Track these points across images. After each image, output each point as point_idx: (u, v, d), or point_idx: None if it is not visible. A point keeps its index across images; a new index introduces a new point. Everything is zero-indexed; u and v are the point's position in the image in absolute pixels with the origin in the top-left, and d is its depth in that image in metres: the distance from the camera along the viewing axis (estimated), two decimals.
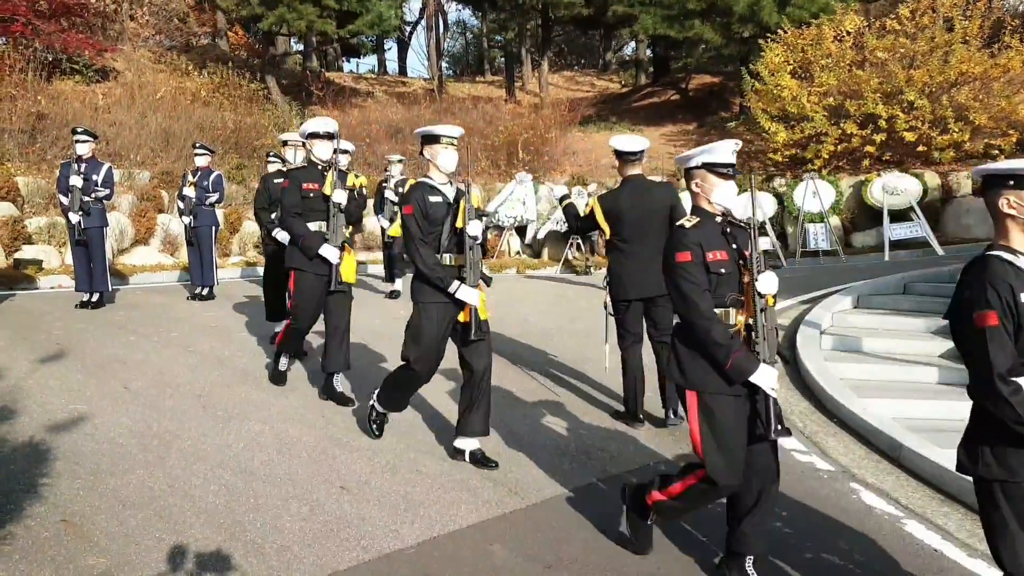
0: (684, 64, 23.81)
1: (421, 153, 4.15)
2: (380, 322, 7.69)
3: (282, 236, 5.95)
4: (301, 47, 26.49)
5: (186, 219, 9.16)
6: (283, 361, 5.59)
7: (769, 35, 16.65)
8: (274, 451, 4.21)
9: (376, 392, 4.42)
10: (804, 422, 5.04)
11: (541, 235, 14.85)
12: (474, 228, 4.05)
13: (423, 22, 32.44)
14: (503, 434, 4.61)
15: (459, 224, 4.03)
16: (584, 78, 30.37)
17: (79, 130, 8.04)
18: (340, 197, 5.04)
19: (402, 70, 34.62)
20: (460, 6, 34.05)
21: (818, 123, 14.90)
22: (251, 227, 13.87)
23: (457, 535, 3.36)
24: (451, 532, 3.38)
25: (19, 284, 9.66)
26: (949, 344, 6.35)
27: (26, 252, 10.99)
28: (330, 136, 5.16)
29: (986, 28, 14.77)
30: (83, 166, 7.82)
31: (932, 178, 13.88)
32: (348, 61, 34.69)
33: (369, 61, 36.21)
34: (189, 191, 9.06)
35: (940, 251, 12.14)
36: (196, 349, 6.48)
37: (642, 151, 4.74)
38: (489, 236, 14.29)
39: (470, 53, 41.98)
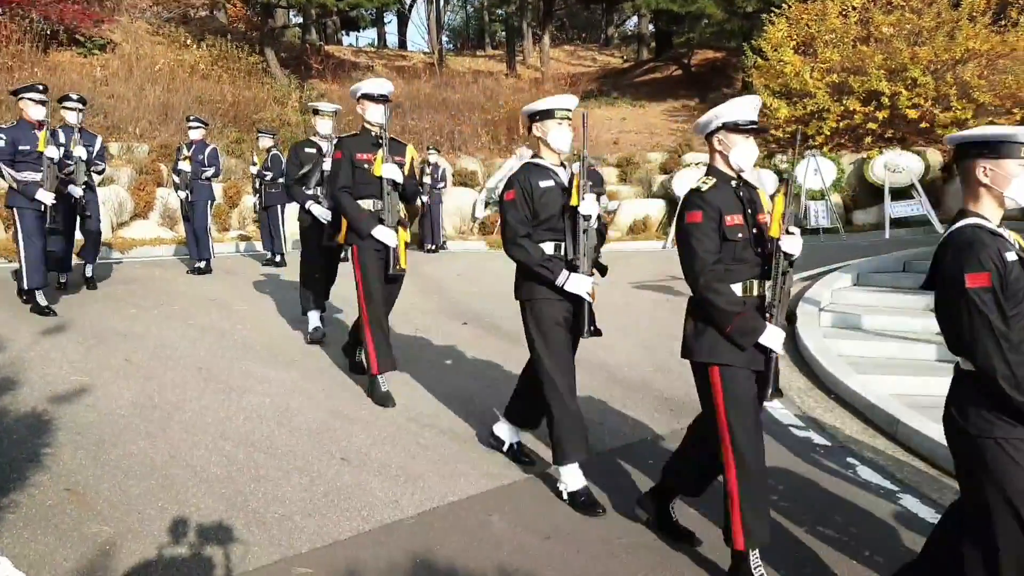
0: (687, 39, 23.57)
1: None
2: None
3: (318, 211, 5.94)
4: (300, 20, 26.22)
5: (182, 193, 9.09)
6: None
7: (773, 10, 16.49)
8: (275, 423, 4.24)
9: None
10: (802, 398, 5.07)
11: None
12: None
13: None
14: (502, 409, 4.63)
15: None
16: (586, 53, 30.11)
17: (73, 97, 7.27)
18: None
19: (402, 44, 34.30)
20: None
21: (820, 99, 14.81)
22: (250, 201, 13.81)
23: (456, 506, 3.39)
24: (451, 503, 3.41)
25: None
26: None
27: None
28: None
29: (993, 4, 14.62)
30: (81, 135, 7.19)
31: (934, 156, 13.83)
32: (347, 35, 34.37)
33: (369, 34, 35.97)
34: (184, 165, 8.97)
35: (941, 229, 12.12)
36: (196, 322, 6.49)
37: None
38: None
39: (471, 27, 41.58)
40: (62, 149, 6.55)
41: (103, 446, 3.79)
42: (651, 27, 27.62)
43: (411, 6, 35.94)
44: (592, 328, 3.45)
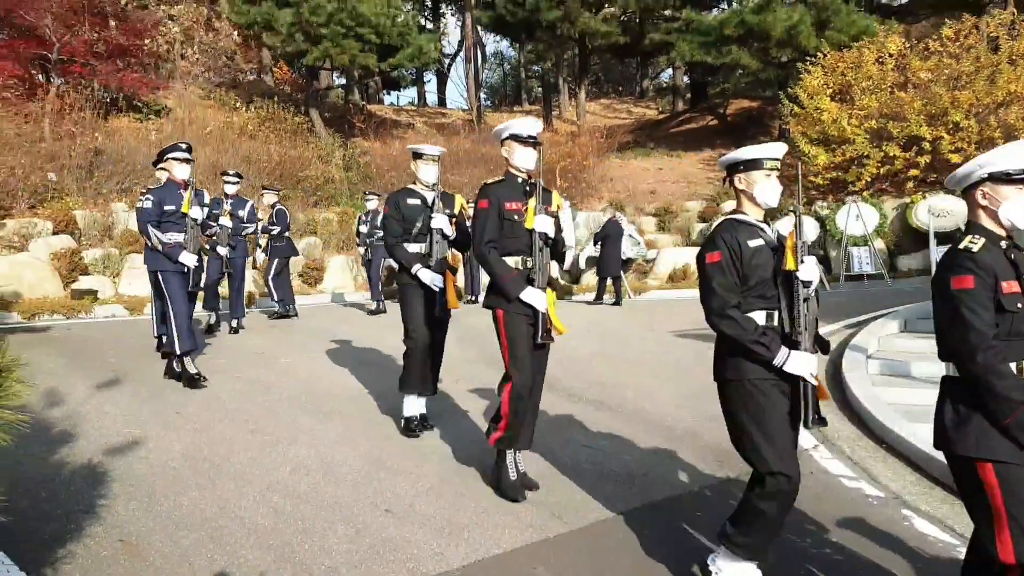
0: (722, 89, 23.84)
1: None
2: None
3: (427, 277, 4.87)
4: (343, 81, 27.20)
5: (223, 250, 8.61)
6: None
7: (808, 59, 16.60)
8: (320, 475, 4.29)
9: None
10: (852, 447, 4.95)
11: (583, 262, 14.88)
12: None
13: (462, 54, 33.05)
14: (546, 458, 4.61)
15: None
16: (621, 105, 30.55)
17: (182, 147, 6.53)
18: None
19: (441, 101, 35.30)
20: (498, 38, 34.68)
21: (859, 146, 14.74)
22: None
23: (502, 558, 3.37)
24: (496, 555, 3.39)
25: (76, 314, 10.02)
26: None
27: (83, 283, 11.42)
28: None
29: None
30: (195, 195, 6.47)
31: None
32: (389, 93, 35.53)
33: (409, 93, 37.08)
34: (225, 220, 8.89)
35: None
36: (243, 376, 6.63)
37: None
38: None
39: (508, 83, 42.62)
40: (206, 210, 6.40)
41: (155, 497, 3.88)
42: (686, 78, 27.96)
43: (450, 65, 37.08)
44: (816, 416, 2.88)
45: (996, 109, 14.20)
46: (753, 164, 3.00)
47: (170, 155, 6.26)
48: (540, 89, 32.07)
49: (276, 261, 10.33)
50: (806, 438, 5.12)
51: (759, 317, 2.92)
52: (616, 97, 34.19)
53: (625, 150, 20.59)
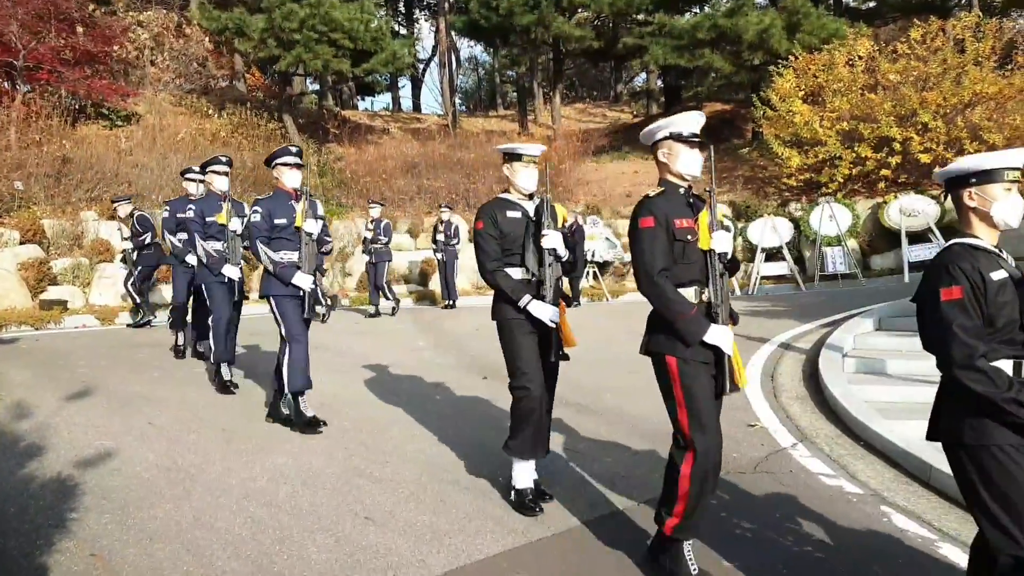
0: (695, 92, 24.03)
1: None
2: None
3: (545, 312, 3.88)
4: (317, 87, 27.03)
5: (193, 259, 7.54)
6: None
7: (780, 62, 16.80)
8: (298, 483, 4.22)
9: None
10: (831, 446, 4.98)
11: None
12: None
13: (436, 59, 33.02)
14: None
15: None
16: (596, 109, 30.68)
17: (223, 160, 6.63)
18: (724, 244, 2.85)
19: (416, 107, 35.20)
20: (472, 43, 34.70)
21: (832, 147, 14.94)
22: None
23: (484, 564, 3.33)
24: (477, 561, 3.35)
25: (44, 324, 9.81)
26: None
27: (51, 293, 11.20)
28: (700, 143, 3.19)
29: (998, 49, 14.82)
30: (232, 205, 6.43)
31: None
32: (363, 99, 35.35)
33: (384, 99, 37.01)
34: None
35: None
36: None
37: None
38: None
39: (482, 88, 42.63)
40: (320, 223, 5.42)
41: (128, 510, 3.79)
42: (659, 82, 28.16)
43: (424, 70, 37.01)
44: None
45: (963, 109, 14.47)
46: (989, 176, 2.47)
47: (279, 160, 5.28)
48: (515, 94, 32.13)
49: (140, 269, 9.96)
50: (784, 436, 5.15)
51: (1006, 367, 2.38)
52: (591, 101, 34.35)
53: (600, 154, 20.68)
